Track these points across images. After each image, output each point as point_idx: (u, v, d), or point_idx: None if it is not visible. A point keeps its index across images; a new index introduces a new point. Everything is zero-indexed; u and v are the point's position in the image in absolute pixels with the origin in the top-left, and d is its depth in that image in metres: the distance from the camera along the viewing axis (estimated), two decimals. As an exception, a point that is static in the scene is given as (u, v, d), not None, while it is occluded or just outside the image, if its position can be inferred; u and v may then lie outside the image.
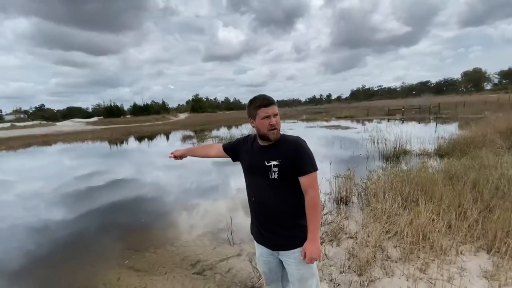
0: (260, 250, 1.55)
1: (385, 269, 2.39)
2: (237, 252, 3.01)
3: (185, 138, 15.90)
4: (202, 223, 3.93)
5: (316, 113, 39.57)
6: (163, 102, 72.74)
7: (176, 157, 1.83)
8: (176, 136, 18.60)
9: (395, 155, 7.30)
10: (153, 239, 3.50)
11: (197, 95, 78.91)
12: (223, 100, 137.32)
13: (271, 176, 1.36)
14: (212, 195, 5.24)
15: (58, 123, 44.27)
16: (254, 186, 1.48)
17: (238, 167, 1.62)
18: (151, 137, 19.05)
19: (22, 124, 43.95)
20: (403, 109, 28.05)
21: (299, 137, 1.42)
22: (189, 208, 4.63)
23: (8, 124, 42.33)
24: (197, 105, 72.53)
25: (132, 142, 16.75)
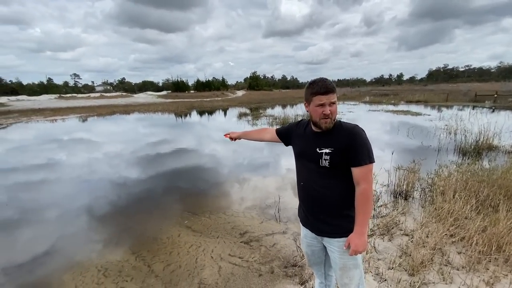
0: (305, 232, 1.59)
1: (442, 275, 2.18)
2: (282, 229, 3.12)
3: (241, 115, 16.45)
4: (251, 197, 4.15)
5: (382, 95, 35.69)
6: (223, 79, 75.56)
7: (231, 138, 1.95)
8: (232, 112, 19.38)
9: (476, 150, 6.22)
10: (209, 205, 3.88)
11: (254, 72, 79.35)
12: (280, 78, 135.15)
13: (322, 164, 1.34)
14: (263, 172, 5.42)
15: (135, 95, 50.52)
16: (304, 171, 1.48)
17: (290, 148, 1.64)
18: (210, 112, 20.29)
19: (108, 94, 51.67)
20: (496, 95, 23.08)
21: (357, 126, 1.34)
22: (240, 181, 4.92)
23: (98, 94, 50.26)
24: (254, 82, 73.18)
25: (194, 116, 18.17)
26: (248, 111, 19.55)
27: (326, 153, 1.33)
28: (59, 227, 3.40)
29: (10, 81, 73.00)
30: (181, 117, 17.24)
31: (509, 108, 16.99)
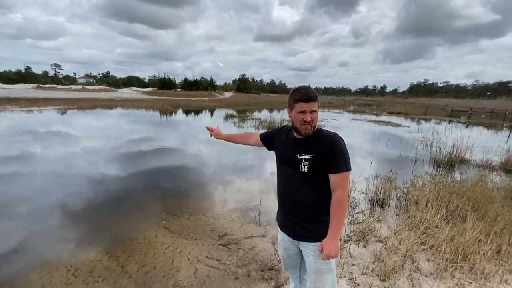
0: (282, 236, 1.62)
1: (412, 281, 2.28)
2: (262, 233, 3.13)
3: (227, 117, 16.40)
4: (233, 199, 4.14)
5: (365, 105, 36.96)
6: (211, 79, 75.05)
7: (212, 132, 1.99)
8: (219, 113, 19.27)
9: (449, 163, 6.57)
10: (189, 206, 3.82)
11: (243, 75, 79.47)
12: (268, 82, 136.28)
13: (301, 169, 1.38)
14: (247, 175, 5.42)
15: (119, 90, 49.03)
16: (284, 175, 1.51)
17: (274, 152, 1.67)
18: (197, 112, 20.07)
19: (90, 87, 49.77)
20: (470, 111, 24.56)
21: (336, 134, 1.38)
22: (223, 183, 4.89)
23: (80, 87, 48.30)
24: (242, 85, 73.24)
25: (180, 115, 17.89)
26: (235, 113, 19.53)
27: (306, 159, 1.36)
28: (29, 224, 3.22)
29: (-17, 66, 68.67)
30: (166, 115, 16.92)
31: (481, 124, 18.12)
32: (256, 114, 19.16)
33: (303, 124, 1.35)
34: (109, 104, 21.97)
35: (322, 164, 1.35)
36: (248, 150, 7.72)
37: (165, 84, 59.22)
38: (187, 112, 19.60)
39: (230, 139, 1.94)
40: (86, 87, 49.45)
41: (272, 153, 1.70)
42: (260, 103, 35.26)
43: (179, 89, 60.84)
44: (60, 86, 46.64)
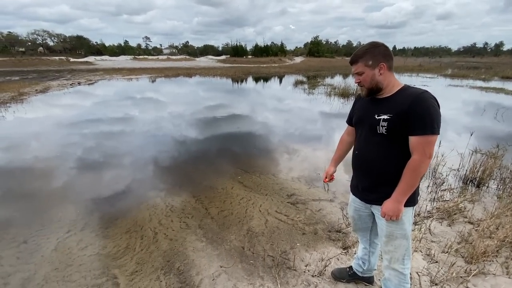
0: (353, 197, 1.60)
1: (507, 268, 1.97)
2: (330, 198, 3.15)
3: (297, 83, 15.94)
4: (300, 166, 4.21)
5: (470, 69, 29.61)
6: (282, 44, 72.65)
7: (331, 177, 1.74)
8: (289, 80, 18.86)
9: None
10: (259, 166, 4.10)
11: (316, 37, 73.72)
12: (344, 43, 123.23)
13: (379, 131, 1.29)
14: (314, 144, 5.34)
15: (197, 59, 52.92)
16: (361, 139, 1.45)
17: (343, 121, 1.60)
18: (266, 79, 20.13)
19: (174, 57, 55.23)
20: None
21: (425, 92, 1.21)
22: (290, 150, 4.98)
23: (165, 57, 54.14)
24: (314, 48, 68.54)
25: (250, 82, 18.34)
26: (305, 79, 18.77)
27: (384, 119, 1.27)
28: (133, 171, 4.05)
29: (96, 42, 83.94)
30: (238, 83, 17.60)
31: None
32: (328, 80, 17.98)
33: (359, 86, 1.37)
34: (189, 72, 24.15)
35: (402, 125, 1.22)
36: (316, 119, 7.49)
37: (237, 51, 60.63)
38: (256, 79, 19.90)
39: (338, 161, 1.75)
40: (170, 57, 55.15)
41: (341, 123, 1.63)
42: (333, 67, 32.68)
43: (250, 56, 61.48)
44: (150, 57, 53.39)
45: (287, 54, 68.47)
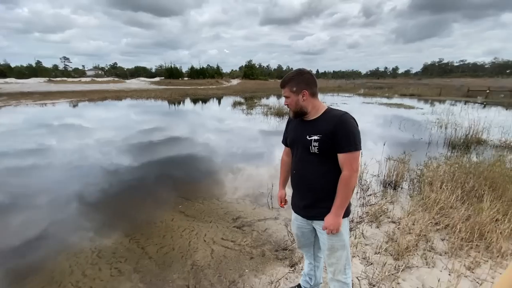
0: (295, 215, 1.65)
1: (426, 259, 2.29)
2: (274, 215, 3.19)
3: (235, 104, 16.34)
4: (245, 185, 4.20)
5: (377, 88, 35.88)
6: (218, 67, 74.41)
7: (285, 200, 1.75)
8: (227, 101, 19.22)
9: (465, 144, 6.39)
10: (202, 191, 3.91)
11: (250, 61, 78.17)
12: (275, 67, 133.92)
13: (312, 150, 1.39)
14: (256, 162, 5.46)
15: (127, 81, 49.44)
16: (297, 159, 1.52)
17: (281, 138, 1.68)
18: (204, 100, 20.07)
19: (99, 79, 50.36)
20: (488, 91, 23.52)
21: (346, 113, 1.37)
22: (234, 170, 4.95)
23: (89, 79, 48.94)
24: (249, 71, 72.27)
25: (188, 104, 17.96)
26: (242, 100, 19.42)
27: (315, 140, 1.37)
28: (51, 213, 3.38)
29: (-4, 62, 70.32)
30: (175, 105, 17.03)
31: (500, 104, 17.34)
32: (264, 101, 19.00)
33: (288, 108, 1.50)
34: (118, 95, 22.24)
35: (331, 144, 1.35)
36: (257, 137, 7.74)
37: (172, 73, 59.20)
38: (195, 101, 19.64)
39: (284, 182, 1.76)
40: (95, 79, 50.11)
41: (279, 140, 1.71)
42: (267, 89, 34.84)
43: (186, 78, 60.77)
44: (70, 79, 47.47)
45: (223, 76, 70.21)
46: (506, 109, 14.67)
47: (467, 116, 9.35)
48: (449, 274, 2.12)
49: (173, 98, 21.01)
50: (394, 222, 2.94)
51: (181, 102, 18.52)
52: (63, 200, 3.69)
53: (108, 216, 3.25)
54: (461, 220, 2.68)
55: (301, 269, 2.21)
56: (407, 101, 19.09)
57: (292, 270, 2.23)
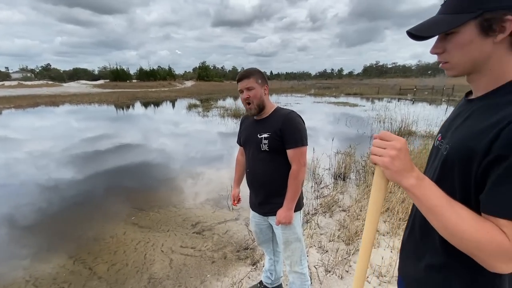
0: (253, 213, 1.69)
1: (372, 241, 2.54)
2: (235, 216, 3.19)
3: (190, 107, 15.89)
4: (204, 190, 4.11)
5: (325, 88, 38.62)
6: (170, 68, 71.43)
7: (239, 199, 1.79)
8: (181, 103, 18.57)
9: (400, 135, 7.26)
10: (158, 200, 3.71)
11: (204, 62, 76.86)
12: (230, 69, 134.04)
13: (262, 148, 1.45)
14: (216, 164, 5.39)
15: (64, 84, 44.26)
16: (249, 157, 1.57)
17: None
18: (156, 104, 19.06)
19: (29, 83, 43.99)
20: (415, 89, 27.17)
21: (292, 112, 1.45)
22: (193, 175, 4.81)
23: (16, 82, 42.42)
24: (203, 73, 71.00)
25: (138, 108, 16.83)
26: (198, 102, 18.99)
27: (265, 138, 1.43)
28: (-30, 240, 2.84)
29: None
30: (123, 109, 15.80)
31: (425, 100, 20.19)
32: (220, 103, 18.85)
33: (245, 104, 1.45)
34: (54, 101, 19.73)
35: (279, 141, 1.42)
36: (216, 140, 7.65)
37: (118, 75, 54.92)
38: (146, 104, 18.51)
39: (239, 181, 1.82)
40: (23, 82, 43.71)
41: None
42: (223, 91, 34.66)
43: (135, 80, 56.94)
44: (-11, 83, 40.55)
45: (176, 78, 67.64)
46: (430, 104, 17.13)
47: (400, 112, 10.66)
48: (391, 251, 2.40)
49: (120, 102, 19.46)
50: (344, 211, 3.20)
51: (130, 106, 17.26)
52: (-14, 226, 3.13)
53: (46, 239, 2.87)
54: (397, 203, 3.04)
55: (263, 266, 2.26)
56: (351, 99, 20.94)
57: (254, 268, 2.26)
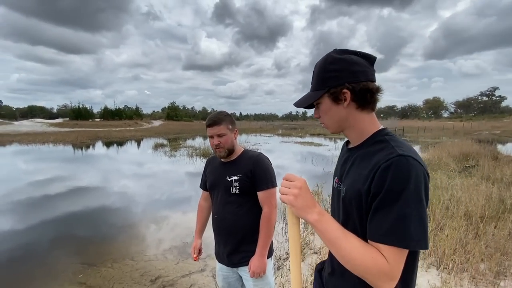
0: (220, 265, 1.55)
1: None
2: (200, 267, 2.92)
3: (157, 146, 15.39)
4: (168, 237, 3.77)
5: (291, 129, 40.76)
6: (137, 108, 70.30)
7: (198, 254, 1.64)
8: (148, 143, 17.93)
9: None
10: (112, 252, 3.29)
11: (173, 102, 77.41)
12: (200, 110, 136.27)
13: (233, 191, 1.41)
14: (183, 207, 5.08)
15: (15, 122, 40.65)
16: (217, 202, 1.50)
17: None
18: (120, 143, 18.15)
19: (-28, 120, 39.66)
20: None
21: (260, 154, 1.48)
22: (156, 219, 4.44)
23: (-45, 120, 37.97)
24: (173, 112, 70.93)
25: (99, 148, 15.82)
26: (165, 142, 18.52)
27: (235, 180, 1.40)
28: None
29: None
30: (82, 149, 14.71)
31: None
32: (189, 142, 18.60)
33: (215, 148, 1.42)
34: (0, 140, 17.77)
35: (250, 183, 1.40)
36: (183, 180, 7.34)
37: (79, 114, 52.34)
38: (108, 144, 17.52)
39: (201, 230, 1.69)
40: (-36, 120, 39.34)
41: None
42: (193, 130, 34.54)
43: (98, 119, 54.57)
44: None
45: (143, 117, 66.46)
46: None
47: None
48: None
49: (79, 142, 18.18)
50: (316, 253, 3.12)
51: (91, 146, 16.17)
52: None
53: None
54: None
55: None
56: (316, 139, 22.15)
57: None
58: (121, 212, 4.87)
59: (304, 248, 3.20)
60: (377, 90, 0.75)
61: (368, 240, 0.65)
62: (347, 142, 0.89)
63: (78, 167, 9.45)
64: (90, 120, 51.66)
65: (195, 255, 1.62)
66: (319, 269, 1.00)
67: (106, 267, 2.93)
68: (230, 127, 1.44)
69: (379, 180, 0.63)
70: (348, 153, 0.84)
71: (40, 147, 15.15)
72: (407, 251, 0.62)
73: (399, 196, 0.61)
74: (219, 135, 1.39)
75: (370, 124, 0.77)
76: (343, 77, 0.72)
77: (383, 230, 0.62)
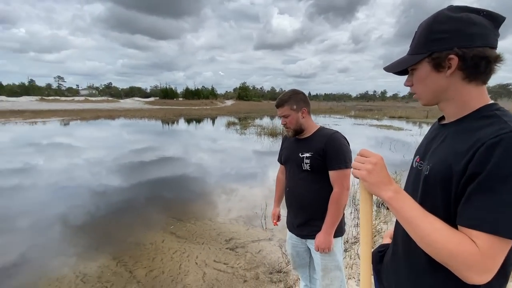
0: (290, 234, 1.63)
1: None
2: (268, 236, 3.12)
3: (229, 124, 16.50)
4: (238, 206, 4.14)
5: (366, 110, 37.06)
6: (212, 88, 75.96)
7: (279, 218, 1.75)
8: (221, 121, 19.40)
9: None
10: (195, 212, 3.83)
11: (244, 83, 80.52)
12: (269, 90, 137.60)
13: (304, 167, 1.42)
14: (250, 182, 5.43)
15: (121, 100, 49.68)
16: (290, 176, 1.55)
17: (275, 158, 1.70)
18: (198, 120, 20.21)
19: (93, 98, 50.46)
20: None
21: (336, 132, 1.42)
22: (227, 191, 4.90)
23: (83, 98, 48.96)
24: (243, 93, 73.95)
25: (181, 124, 18.03)
26: (236, 120, 19.65)
27: (307, 157, 1.41)
28: (33, 235, 3.22)
29: (-12, 81, 70.13)
30: (168, 124, 17.06)
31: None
32: (257, 121, 19.26)
33: (284, 127, 1.50)
34: (111, 115, 22.20)
35: (322, 161, 1.38)
36: (250, 158, 7.75)
37: (166, 93, 60.02)
38: (189, 121, 19.76)
39: (279, 200, 1.77)
40: (89, 98, 50.24)
41: (275, 160, 1.73)
42: (261, 110, 35.46)
43: (181, 99, 61.60)
44: (63, 98, 47.44)
45: (218, 97, 71.49)
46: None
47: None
48: None
49: (167, 118, 21.09)
50: (388, 243, 2.92)
51: (175, 122, 18.59)
52: (45, 223, 3.52)
53: (94, 239, 3.11)
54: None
55: (296, 293, 2.13)
56: (396, 123, 19.67)
57: (287, 294, 2.15)
58: (199, 181, 5.54)
59: (375, 236, 3.03)
60: (496, 59, 0.61)
61: (458, 226, 0.58)
62: (440, 119, 0.78)
63: (165, 140, 11.05)
64: (174, 99, 58.82)
65: (274, 220, 1.74)
66: (379, 251, 0.94)
67: (190, 223, 3.44)
68: (295, 107, 1.44)
69: (482, 158, 0.54)
70: (439, 129, 0.73)
71: (138, 121, 18.28)
72: (510, 242, 0.54)
73: (506, 179, 0.52)
74: (284, 116, 1.45)
75: (478, 97, 0.64)
76: (453, 40, 0.60)
77: (482, 215, 0.54)
